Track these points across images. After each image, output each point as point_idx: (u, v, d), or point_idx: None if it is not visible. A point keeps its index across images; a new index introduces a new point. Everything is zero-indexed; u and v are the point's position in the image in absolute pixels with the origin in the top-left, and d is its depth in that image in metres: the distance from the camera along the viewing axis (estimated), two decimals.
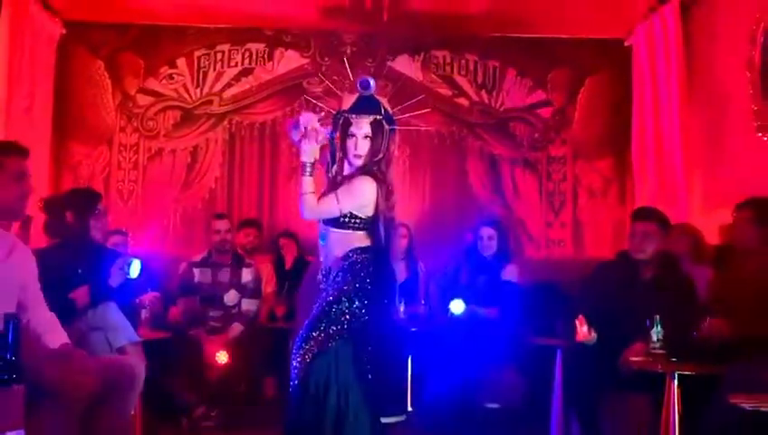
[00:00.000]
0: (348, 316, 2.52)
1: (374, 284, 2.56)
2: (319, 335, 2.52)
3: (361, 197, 2.59)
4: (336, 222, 2.62)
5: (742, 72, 4.28)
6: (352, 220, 2.60)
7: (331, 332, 2.52)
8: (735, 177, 4.48)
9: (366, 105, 2.58)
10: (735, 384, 2.51)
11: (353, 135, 2.57)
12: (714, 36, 4.84)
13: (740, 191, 4.05)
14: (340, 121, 2.61)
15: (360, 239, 2.61)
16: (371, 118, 2.55)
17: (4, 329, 1.36)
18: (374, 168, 2.60)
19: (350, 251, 2.58)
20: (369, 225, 2.60)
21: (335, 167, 2.70)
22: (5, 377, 1.34)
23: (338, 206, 2.58)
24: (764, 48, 4.08)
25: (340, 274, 2.57)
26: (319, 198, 2.63)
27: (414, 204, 5.89)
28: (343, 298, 2.53)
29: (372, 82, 2.59)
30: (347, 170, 2.67)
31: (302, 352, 2.55)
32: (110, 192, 5.75)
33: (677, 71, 5.09)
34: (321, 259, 2.68)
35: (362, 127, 2.56)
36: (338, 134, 2.63)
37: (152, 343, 3.40)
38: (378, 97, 2.65)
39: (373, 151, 2.58)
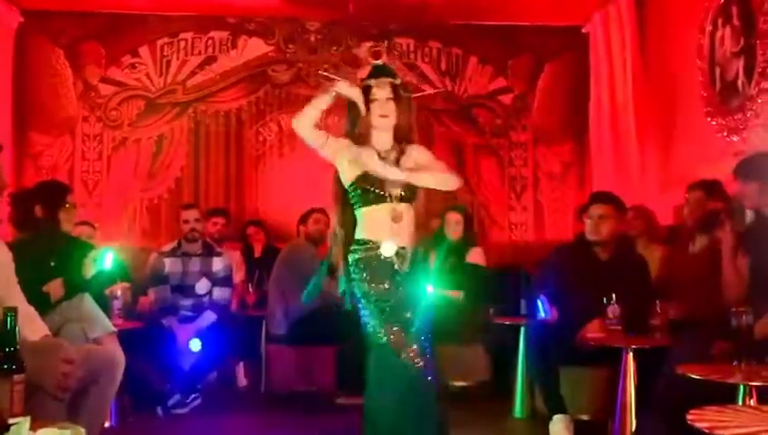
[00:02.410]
0: None
1: None
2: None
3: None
4: (413, 196, 2.54)
5: (692, 59, 4.48)
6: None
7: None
8: (687, 159, 4.69)
9: (383, 71, 2.59)
10: (683, 357, 2.69)
11: (376, 99, 2.51)
12: (667, 24, 5.03)
13: (691, 173, 4.27)
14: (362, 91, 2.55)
15: None
16: (390, 80, 2.54)
17: (2, 321, 1.42)
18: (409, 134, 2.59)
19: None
20: None
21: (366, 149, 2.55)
22: (6, 367, 1.40)
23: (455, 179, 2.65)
24: (713, 36, 4.27)
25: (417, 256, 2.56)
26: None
27: None
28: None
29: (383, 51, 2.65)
30: (380, 144, 2.56)
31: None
32: (75, 183, 5.71)
33: (632, 57, 5.29)
34: (388, 241, 2.49)
35: (384, 88, 2.52)
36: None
37: (125, 333, 3.43)
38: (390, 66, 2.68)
39: (400, 116, 2.54)
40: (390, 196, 2.49)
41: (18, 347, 1.38)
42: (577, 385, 3.29)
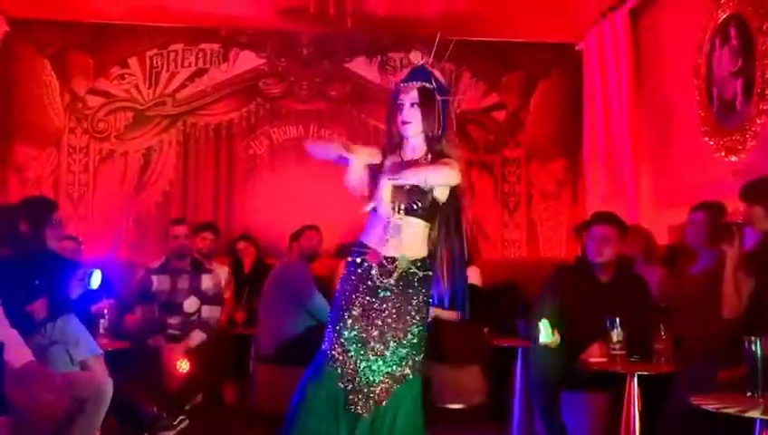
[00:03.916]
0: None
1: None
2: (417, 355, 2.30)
3: (448, 176, 2.26)
4: (420, 209, 2.30)
5: (689, 78, 4.47)
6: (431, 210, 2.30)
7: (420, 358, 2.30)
8: (683, 179, 4.66)
9: (415, 74, 2.39)
10: (690, 383, 2.63)
11: (401, 104, 2.34)
12: (662, 43, 5.03)
13: (687, 193, 4.24)
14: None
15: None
16: (419, 84, 2.34)
17: None
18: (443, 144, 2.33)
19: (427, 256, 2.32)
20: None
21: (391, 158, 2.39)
22: None
23: (456, 172, 2.25)
24: (710, 56, 4.26)
25: (419, 283, 2.31)
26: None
27: None
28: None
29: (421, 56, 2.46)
30: (408, 155, 2.37)
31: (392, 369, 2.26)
32: (60, 196, 5.58)
33: (627, 75, 5.27)
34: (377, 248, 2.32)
35: (409, 93, 2.34)
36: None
37: (111, 353, 3.32)
38: (430, 68, 2.42)
39: (427, 123, 2.32)
40: (397, 206, 2.28)
41: (2, 386, 1.28)
42: (578, 410, 3.22)
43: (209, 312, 4.26)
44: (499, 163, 6.16)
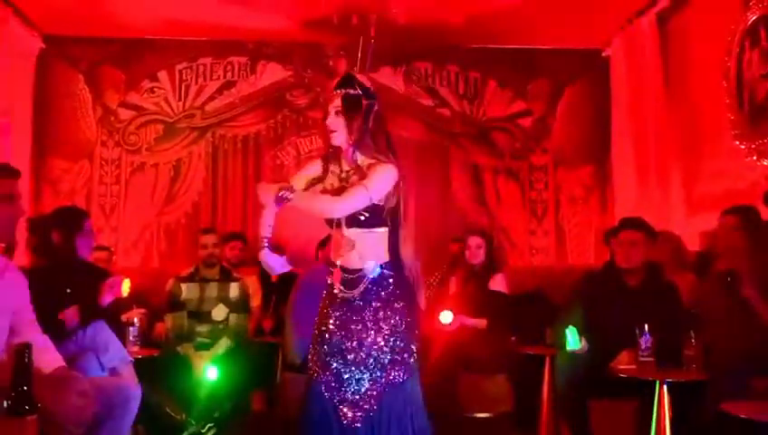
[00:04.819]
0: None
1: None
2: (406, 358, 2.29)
3: (385, 181, 2.25)
4: (368, 219, 2.29)
5: (718, 81, 4.39)
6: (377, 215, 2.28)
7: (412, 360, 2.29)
8: (714, 184, 4.57)
9: (341, 82, 2.38)
10: (721, 391, 2.57)
11: (328, 113, 2.35)
12: (690, 46, 4.95)
13: (718, 198, 4.16)
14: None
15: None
16: (343, 91, 2.33)
17: (15, 359, 1.35)
18: (373, 148, 2.30)
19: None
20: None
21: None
22: (18, 408, 1.33)
23: (367, 193, 2.22)
24: (740, 58, 4.19)
25: (392, 287, 2.30)
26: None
27: None
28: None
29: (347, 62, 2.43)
30: (345, 164, 2.37)
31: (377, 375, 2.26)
32: (92, 207, 5.70)
33: (655, 79, 5.21)
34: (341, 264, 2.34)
35: (334, 101, 2.34)
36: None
37: (141, 361, 3.36)
38: (356, 74, 2.43)
39: (350, 130, 2.29)
40: (339, 221, 2.32)
41: (31, 386, 1.31)
42: (607, 418, 3.17)
43: (236, 320, 4.31)
44: (526, 170, 6.12)
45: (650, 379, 2.81)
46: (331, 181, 2.37)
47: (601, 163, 6.02)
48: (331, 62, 6.01)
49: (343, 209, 2.27)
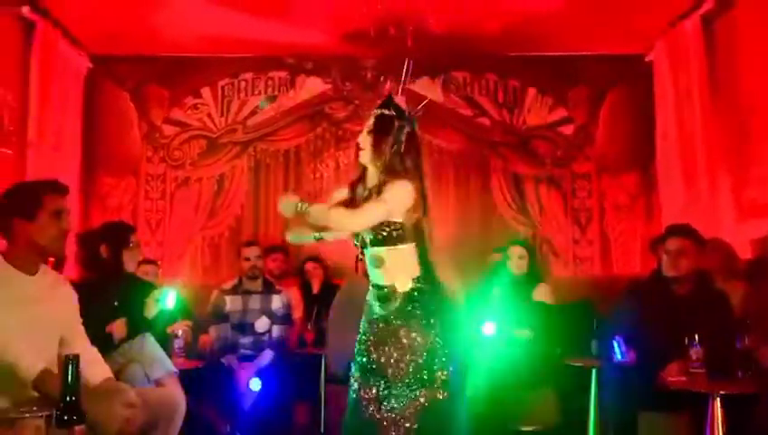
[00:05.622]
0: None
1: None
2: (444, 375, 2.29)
3: (401, 197, 2.30)
4: (387, 237, 2.33)
5: (766, 84, 4.25)
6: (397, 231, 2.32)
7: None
8: (764, 189, 4.42)
9: (380, 104, 2.46)
10: None
11: (362, 131, 2.44)
12: (737, 48, 4.81)
13: None
14: None
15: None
16: (378, 112, 2.42)
17: (63, 370, 1.38)
18: (398, 168, 2.35)
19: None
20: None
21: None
22: (67, 418, 1.36)
23: (385, 206, 2.28)
24: None
25: (425, 301, 2.33)
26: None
27: (438, 224, 5.87)
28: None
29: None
30: (368, 184, 2.44)
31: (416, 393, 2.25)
32: (138, 222, 5.83)
33: (700, 84, 5.08)
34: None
35: (369, 120, 2.44)
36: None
37: (185, 373, 3.41)
38: (393, 96, 2.48)
39: (375, 149, 2.36)
40: (365, 241, 2.39)
41: (79, 397, 1.34)
42: (656, 431, 3.07)
43: (279, 331, 4.34)
44: (568, 178, 6.02)
45: (703, 391, 2.72)
46: (356, 203, 2.43)
47: (646, 169, 5.88)
48: (369, 75, 6.04)
49: (359, 223, 2.33)
